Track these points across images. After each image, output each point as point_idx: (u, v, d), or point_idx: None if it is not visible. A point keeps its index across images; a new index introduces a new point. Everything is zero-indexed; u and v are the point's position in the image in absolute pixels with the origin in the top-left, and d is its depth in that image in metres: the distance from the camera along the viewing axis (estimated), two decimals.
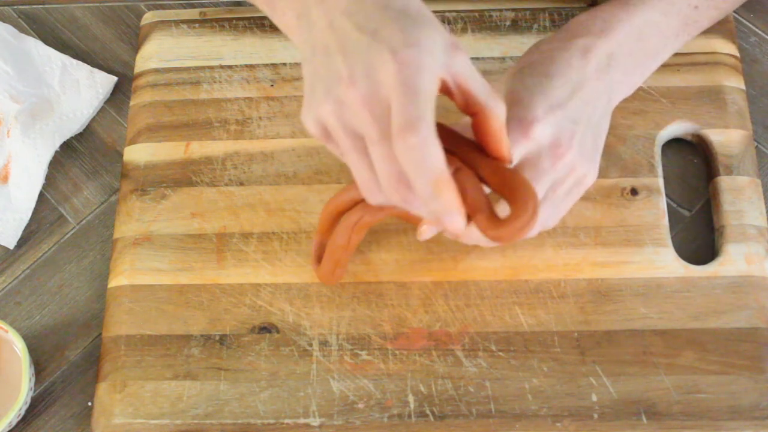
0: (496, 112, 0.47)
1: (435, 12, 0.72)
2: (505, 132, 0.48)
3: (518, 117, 0.54)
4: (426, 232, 0.56)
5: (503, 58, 0.70)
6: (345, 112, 0.45)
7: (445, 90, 0.46)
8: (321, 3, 0.47)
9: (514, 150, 0.52)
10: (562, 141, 0.54)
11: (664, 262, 0.63)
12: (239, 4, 0.78)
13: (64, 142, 0.72)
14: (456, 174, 0.48)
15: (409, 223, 0.62)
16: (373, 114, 0.44)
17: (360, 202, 0.56)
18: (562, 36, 0.59)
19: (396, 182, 0.45)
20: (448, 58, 0.45)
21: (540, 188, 0.55)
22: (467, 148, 0.50)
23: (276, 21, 0.55)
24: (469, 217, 0.47)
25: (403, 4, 0.45)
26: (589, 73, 0.57)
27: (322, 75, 0.46)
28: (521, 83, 0.56)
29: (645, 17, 0.59)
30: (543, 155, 0.54)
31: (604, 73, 0.57)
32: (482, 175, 0.49)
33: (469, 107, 0.47)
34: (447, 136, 0.49)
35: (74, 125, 0.73)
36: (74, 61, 0.75)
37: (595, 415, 0.58)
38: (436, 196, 0.44)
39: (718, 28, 0.70)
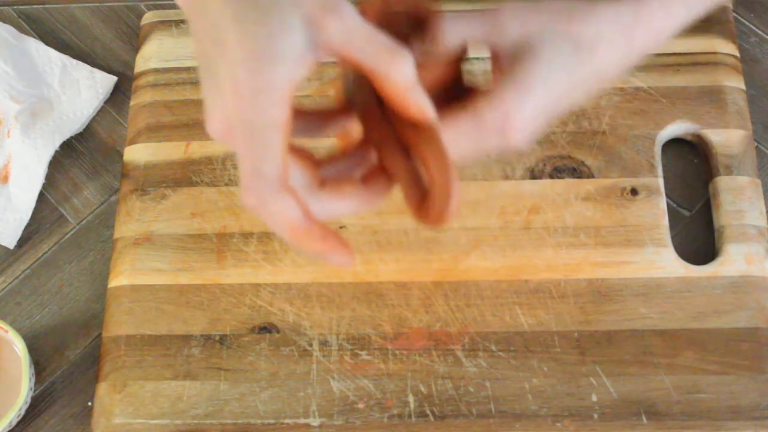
0: (392, 72, 0.40)
1: None
2: (412, 91, 0.41)
3: (512, 103, 0.44)
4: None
5: None
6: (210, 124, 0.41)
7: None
8: None
9: (489, 108, 0.44)
10: (522, 118, 0.45)
11: (664, 262, 0.63)
12: None
13: (64, 142, 0.72)
14: (380, 151, 0.43)
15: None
16: (229, 145, 0.40)
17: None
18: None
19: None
20: (313, 36, 0.38)
21: (464, 125, 0.45)
22: (385, 115, 0.43)
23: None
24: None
25: None
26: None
27: (202, 82, 0.41)
28: (548, 65, 0.45)
29: None
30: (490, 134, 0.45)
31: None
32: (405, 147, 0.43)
33: (363, 72, 0.41)
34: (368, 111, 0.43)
35: (74, 125, 0.73)
36: (74, 61, 0.75)
37: (595, 415, 0.59)
38: (300, 247, 0.41)
39: (718, 28, 0.70)
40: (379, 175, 0.43)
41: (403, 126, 0.42)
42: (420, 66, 0.42)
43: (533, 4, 0.46)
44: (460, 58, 0.47)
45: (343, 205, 0.42)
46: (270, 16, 0.37)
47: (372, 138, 0.43)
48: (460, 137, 0.44)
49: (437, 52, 0.46)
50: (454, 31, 0.46)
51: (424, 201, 0.42)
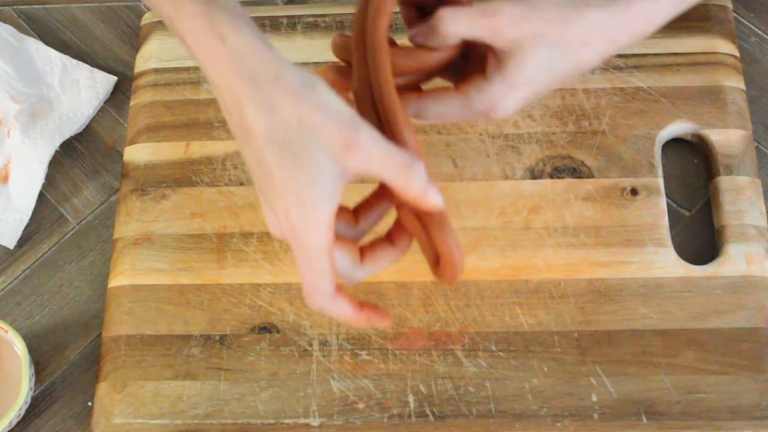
0: (407, 186, 0.47)
1: None
2: (425, 195, 0.48)
3: (499, 94, 0.52)
4: None
5: None
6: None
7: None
8: (243, 134, 0.48)
9: (478, 94, 0.51)
10: (506, 106, 0.52)
11: (664, 262, 0.63)
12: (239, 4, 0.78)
13: (64, 142, 0.72)
14: (399, 213, 0.51)
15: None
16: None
17: None
18: None
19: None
20: (341, 169, 0.46)
21: (454, 101, 0.53)
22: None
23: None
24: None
25: (287, 121, 0.46)
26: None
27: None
28: (537, 65, 0.51)
29: None
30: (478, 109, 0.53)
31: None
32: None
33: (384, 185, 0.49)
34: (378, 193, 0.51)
35: (74, 125, 0.73)
36: (74, 61, 0.75)
37: (595, 415, 0.59)
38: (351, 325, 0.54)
39: (718, 28, 0.70)
40: (401, 232, 0.51)
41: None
42: (422, 46, 0.51)
43: (528, 11, 0.51)
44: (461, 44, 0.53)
45: (378, 267, 0.51)
46: (305, 161, 0.45)
47: (392, 203, 0.51)
48: (450, 109, 0.53)
49: (437, 41, 0.52)
50: (454, 27, 0.51)
51: (437, 263, 0.50)
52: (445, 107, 0.53)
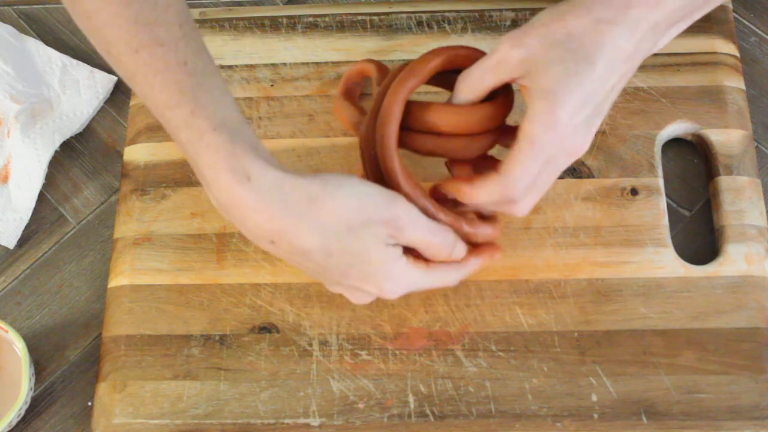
0: (452, 255, 0.56)
1: (435, 12, 0.72)
2: (467, 252, 0.57)
3: (547, 109, 0.51)
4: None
5: None
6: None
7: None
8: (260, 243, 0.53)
9: (535, 133, 0.52)
10: (581, 138, 0.53)
11: (664, 262, 0.63)
12: (239, 4, 0.78)
13: (64, 142, 0.72)
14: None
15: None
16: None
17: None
18: (614, 3, 0.51)
19: None
20: (396, 241, 0.53)
21: (535, 165, 0.53)
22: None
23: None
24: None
25: (338, 231, 0.51)
26: (632, 54, 0.52)
27: (323, 278, 0.56)
28: (558, 62, 0.51)
29: None
30: (557, 148, 0.53)
31: (643, 52, 0.53)
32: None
33: None
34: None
35: (74, 125, 0.73)
36: (74, 61, 0.75)
37: (595, 415, 0.59)
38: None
39: (718, 28, 0.70)
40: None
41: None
42: (456, 111, 0.56)
43: (524, 27, 0.52)
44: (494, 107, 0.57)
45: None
46: (371, 253, 0.52)
47: None
48: (528, 164, 0.53)
49: (466, 98, 0.56)
50: (471, 85, 0.55)
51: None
52: (520, 162, 0.53)
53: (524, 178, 0.53)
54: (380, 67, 0.64)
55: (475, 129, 0.56)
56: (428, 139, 0.56)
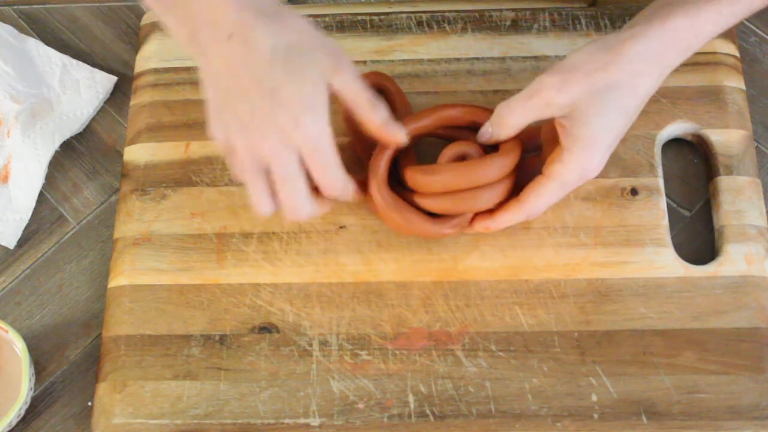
0: (370, 118, 0.57)
1: (435, 12, 0.72)
2: (383, 129, 0.58)
3: (583, 158, 0.57)
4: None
5: (503, 58, 0.70)
6: (256, 151, 0.54)
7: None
8: (214, 42, 0.54)
9: (567, 178, 0.58)
10: (597, 164, 0.58)
11: (664, 262, 0.63)
12: None
13: (64, 142, 0.72)
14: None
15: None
16: (282, 163, 0.54)
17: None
18: (652, 57, 0.56)
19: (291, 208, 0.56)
20: (328, 85, 0.54)
21: (556, 197, 0.60)
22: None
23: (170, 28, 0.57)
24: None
25: (290, 41, 0.53)
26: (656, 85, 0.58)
27: (229, 107, 0.54)
28: (599, 114, 0.56)
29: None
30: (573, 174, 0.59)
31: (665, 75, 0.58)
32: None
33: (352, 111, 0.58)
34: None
35: (74, 125, 0.73)
36: (74, 61, 0.75)
37: (595, 415, 0.59)
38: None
39: None
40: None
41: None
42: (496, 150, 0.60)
43: (567, 73, 0.56)
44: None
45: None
46: (307, 75, 0.53)
47: None
48: (549, 195, 0.59)
49: (503, 137, 0.60)
50: (511, 117, 0.58)
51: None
52: (543, 196, 0.59)
53: (544, 208, 0.60)
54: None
55: (495, 178, 0.60)
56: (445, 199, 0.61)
